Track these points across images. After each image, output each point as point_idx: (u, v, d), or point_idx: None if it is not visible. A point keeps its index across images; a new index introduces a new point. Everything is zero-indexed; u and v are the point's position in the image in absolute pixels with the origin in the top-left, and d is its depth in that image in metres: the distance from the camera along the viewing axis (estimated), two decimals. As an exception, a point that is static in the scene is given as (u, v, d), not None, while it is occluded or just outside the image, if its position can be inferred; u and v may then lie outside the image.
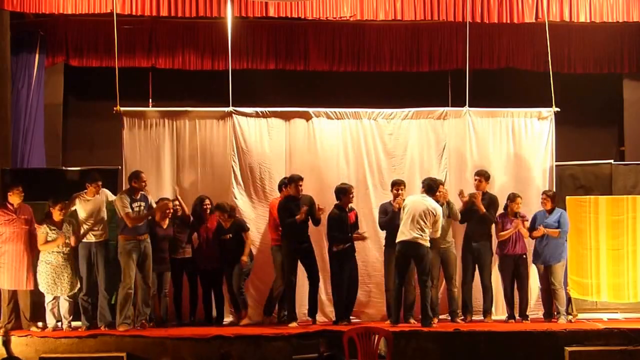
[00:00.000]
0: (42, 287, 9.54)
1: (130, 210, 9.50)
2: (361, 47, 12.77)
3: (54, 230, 9.53)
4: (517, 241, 10.18)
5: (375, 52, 12.77)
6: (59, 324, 9.60)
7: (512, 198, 10.22)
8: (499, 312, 10.44)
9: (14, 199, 9.62)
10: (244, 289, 10.16)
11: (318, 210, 9.89)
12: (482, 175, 10.28)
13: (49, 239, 9.49)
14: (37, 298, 9.67)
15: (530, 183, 10.67)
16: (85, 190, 9.77)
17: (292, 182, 9.92)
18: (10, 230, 9.55)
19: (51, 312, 9.57)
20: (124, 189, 9.95)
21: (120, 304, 9.53)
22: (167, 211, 9.89)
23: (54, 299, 9.57)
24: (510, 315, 10.20)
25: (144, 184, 9.73)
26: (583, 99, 13.18)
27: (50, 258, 9.50)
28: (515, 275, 10.20)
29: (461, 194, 10.25)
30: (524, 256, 10.23)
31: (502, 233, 10.16)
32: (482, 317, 10.20)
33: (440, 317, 10.11)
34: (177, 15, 11.28)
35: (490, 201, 10.21)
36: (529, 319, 10.15)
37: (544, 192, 10.29)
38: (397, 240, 9.72)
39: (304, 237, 9.92)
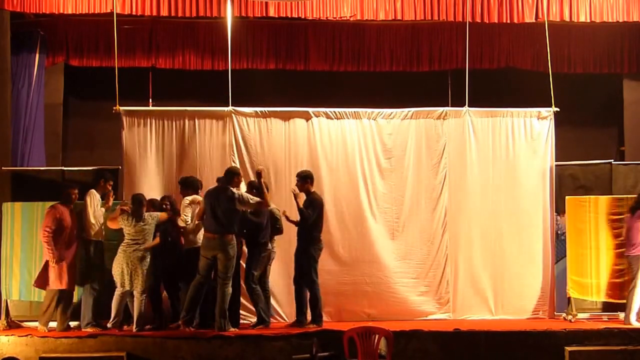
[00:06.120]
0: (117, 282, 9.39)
1: None
2: (361, 47, 12.79)
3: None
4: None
5: (375, 52, 12.79)
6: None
7: None
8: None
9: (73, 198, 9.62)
10: None
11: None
12: (298, 176, 9.91)
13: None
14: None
15: (530, 183, 10.66)
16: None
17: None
18: (70, 229, 9.49)
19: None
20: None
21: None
22: None
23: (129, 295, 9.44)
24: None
25: None
26: (583, 99, 13.19)
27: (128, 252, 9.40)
28: None
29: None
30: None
31: None
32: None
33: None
34: (177, 15, 11.31)
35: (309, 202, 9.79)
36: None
37: None
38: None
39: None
